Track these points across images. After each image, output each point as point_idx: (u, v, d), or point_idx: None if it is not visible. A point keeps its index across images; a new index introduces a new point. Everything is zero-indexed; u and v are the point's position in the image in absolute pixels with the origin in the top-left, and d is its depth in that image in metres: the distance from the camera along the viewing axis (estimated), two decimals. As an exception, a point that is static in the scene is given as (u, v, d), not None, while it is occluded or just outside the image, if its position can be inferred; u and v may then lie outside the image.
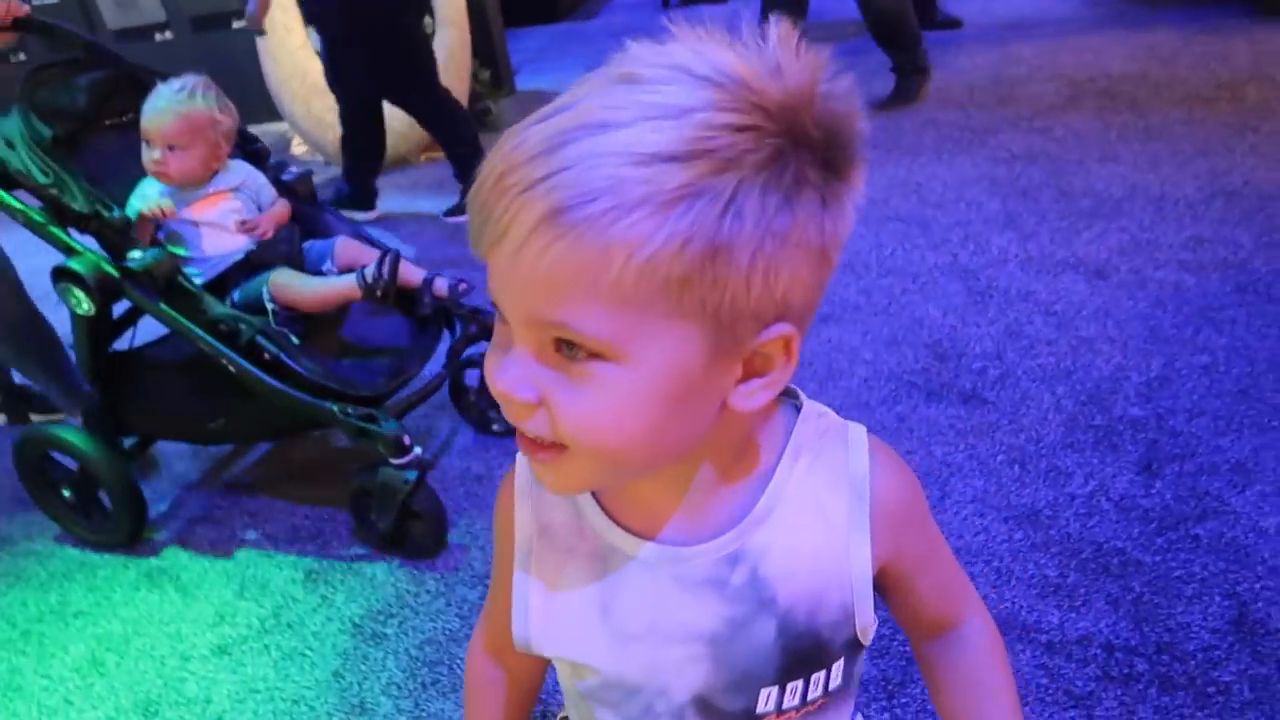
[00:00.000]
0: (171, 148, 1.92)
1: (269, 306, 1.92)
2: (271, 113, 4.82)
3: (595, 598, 0.64)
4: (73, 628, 1.96)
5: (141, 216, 1.91)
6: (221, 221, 2.01)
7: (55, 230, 1.86)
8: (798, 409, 0.64)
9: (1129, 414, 2.06)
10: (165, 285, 1.85)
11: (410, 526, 1.95)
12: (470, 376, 2.35)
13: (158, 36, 5.62)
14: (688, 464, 0.60)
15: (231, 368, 1.84)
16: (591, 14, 7.93)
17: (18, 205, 1.88)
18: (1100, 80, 4.28)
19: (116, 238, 1.87)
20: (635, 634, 0.64)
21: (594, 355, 0.48)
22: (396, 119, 3.86)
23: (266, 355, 1.84)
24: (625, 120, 0.46)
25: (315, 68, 4.07)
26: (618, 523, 0.63)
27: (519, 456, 0.67)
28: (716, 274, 0.46)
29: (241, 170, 2.08)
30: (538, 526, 0.67)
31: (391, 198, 4.11)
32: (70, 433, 2.05)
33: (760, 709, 0.65)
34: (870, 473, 0.62)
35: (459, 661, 1.71)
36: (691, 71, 0.47)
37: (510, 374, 0.51)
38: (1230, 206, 2.93)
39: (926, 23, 4.89)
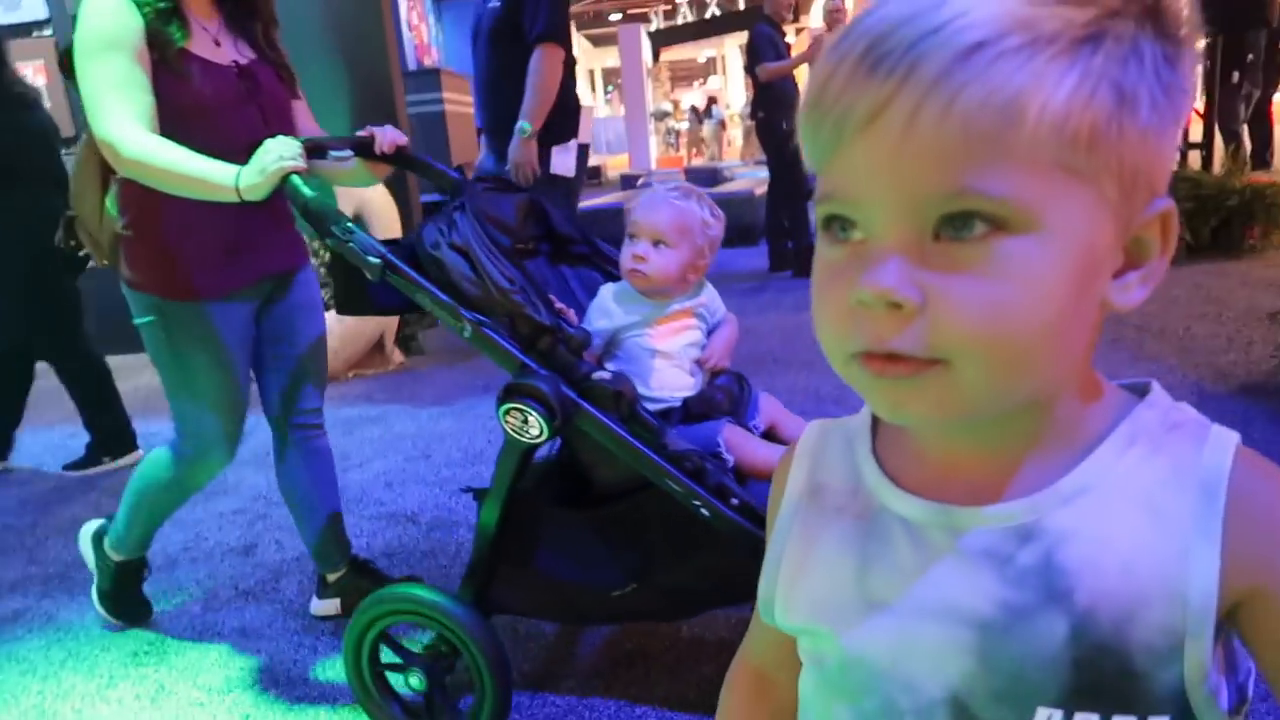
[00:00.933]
0: (656, 244, 1.71)
1: (726, 457, 1.64)
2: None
3: (854, 557, 0.57)
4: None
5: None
6: (679, 356, 1.75)
7: (506, 345, 1.58)
8: (1141, 398, 0.54)
9: None
10: (629, 412, 1.58)
11: None
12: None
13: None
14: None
15: (705, 510, 1.53)
16: None
17: (455, 306, 1.60)
18: None
19: (574, 356, 1.61)
20: (888, 603, 0.54)
21: (997, 229, 0.44)
22: (331, 335, 3.86)
23: (735, 501, 1.55)
24: None
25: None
26: (895, 482, 0.56)
27: (812, 425, 0.65)
28: (1122, 126, 0.44)
29: (708, 289, 1.83)
30: (811, 485, 0.62)
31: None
32: (437, 595, 1.63)
33: None
34: (1230, 472, 0.49)
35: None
36: None
37: (890, 274, 0.45)
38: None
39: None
